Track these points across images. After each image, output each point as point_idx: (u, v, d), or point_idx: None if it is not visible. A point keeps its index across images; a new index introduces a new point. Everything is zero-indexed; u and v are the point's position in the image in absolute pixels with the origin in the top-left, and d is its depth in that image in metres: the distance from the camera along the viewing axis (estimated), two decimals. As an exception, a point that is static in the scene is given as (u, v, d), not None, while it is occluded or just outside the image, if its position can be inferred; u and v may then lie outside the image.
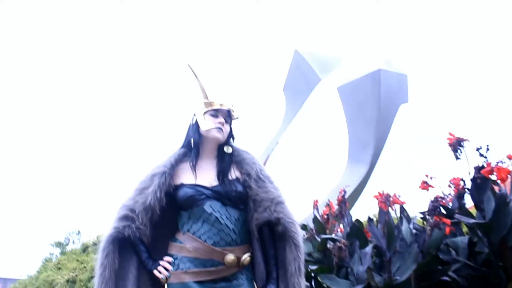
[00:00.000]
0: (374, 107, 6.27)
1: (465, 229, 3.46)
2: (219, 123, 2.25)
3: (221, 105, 2.28)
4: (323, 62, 7.02)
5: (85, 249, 4.12)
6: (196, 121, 2.29)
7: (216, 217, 2.11)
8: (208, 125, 2.24)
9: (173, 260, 2.13)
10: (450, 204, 3.41)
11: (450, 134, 3.04)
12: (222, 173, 2.21)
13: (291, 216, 2.16)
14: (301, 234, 2.17)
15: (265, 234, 2.17)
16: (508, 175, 2.81)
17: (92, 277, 3.28)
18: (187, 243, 2.12)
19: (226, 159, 2.26)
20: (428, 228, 2.99)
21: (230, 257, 2.09)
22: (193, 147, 2.28)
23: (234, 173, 2.24)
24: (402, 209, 3.50)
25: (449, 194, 3.54)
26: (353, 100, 6.48)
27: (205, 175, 2.22)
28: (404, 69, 6.81)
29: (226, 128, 2.28)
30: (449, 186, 3.31)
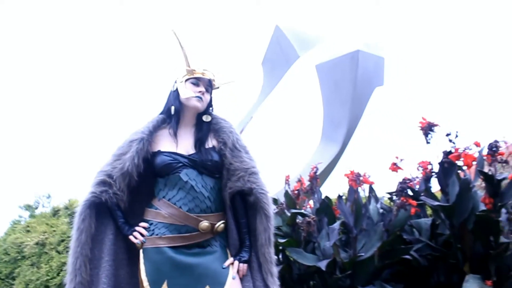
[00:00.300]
0: (350, 87, 6.34)
1: (429, 211, 3.60)
2: (199, 92, 2.25)
3: (203, 73, 2.28)
4: (303, 39, 7.02)
5: (55, 213, 4.11)
6: (177, 88, 2.29)
7: (192, 185, 2.14)
8: (188, 93, 2.24)
9: (148, 225, 2.16)
10: (417, 186, 3.53)
11: (423, 118, 3.13)
12: (199, 142, 2.23)
13: (263, 187, 2.19)
14: (272, 206, 2.21)
15: (238, 203, 2.21)
16: (473, 162, 2.93)
17: (62, 240, 3.30)
18: (163, 209, 2.15)
19: (204, 127, 2.28)
20: (395, 208, 3.10)
21: (204, 223, 2.13)
22: (173, 115, 2.28)
23: (211, 142, 2.26)
24: (371, 189, 3.61)
25: (416, 176, 3.67)
26: (330, 79, 6.53)
27: (183, 143, 2.24)
28: (382, 52, 6.88)
29: (206, 97, 2.28)
30: (417, 169, 3.42)
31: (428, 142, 3.12)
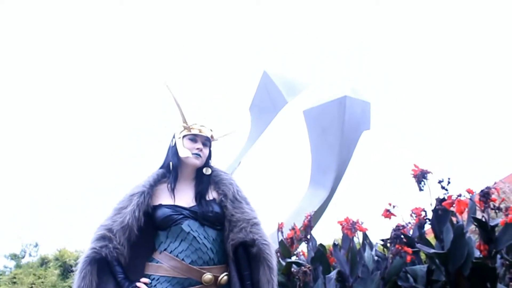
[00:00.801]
0: (338, 133, 6.44)
1: (423, 257, 3.61)
2: (197, 149, 2.29)
3: (200, 130, 2.31)
4: (290, 85, 7.16)
5: (43, 262, 3.96)
6: (175, 144, 2.32)
7: (194, 236, 2.13)
8: (185, 152, 2.28)
9: (150, 281, 2.13)
10: (410, 232, 3.56)
11: (415, 165, 3.19)
12: (199, 194, 2.25)
13: (266, 238, 2.19)
14: (275, 257, 2.21)
15: (240, 254, 2.19)
16: (466, 208, 2.98)
17: (52, 293, 3.23)
18: (164, 262, 2.13)
19: (204, 180, 2.30)
20: (390, 255, 3.11)
21: (207, 276, 2.11)
22: (171, 170, 2.31)
23: (211, 194, 2.27)
24: (365, 236, 3.62)
25: (409, 222, 3.70)
26: (317, 124, 6.64)
27: (183, 196, 2.25)
28: (368, 97, 7.05)
29: (205, 152, 2.32)
30: (411, 215, 3.46)
31: (421, 190, 3.17)
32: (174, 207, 2.21)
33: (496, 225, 2.98)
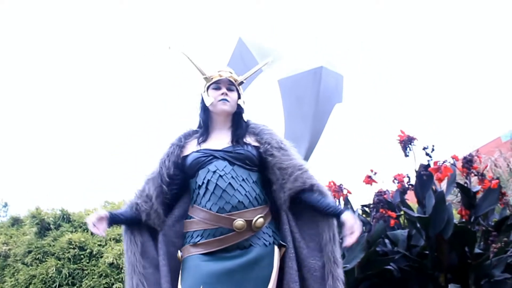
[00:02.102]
0: (312, 103, 6.47)
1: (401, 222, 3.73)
2: (222, 93, 2.25)
3: (220, 75, 2.28)
4: (265, 53, 7.10)
5: (14, 222, 3.80)
6: (202, 99, 2.30)
7: (220, 175, 2.10)
8: (210, 99, 2.25)
9: (106, 214, 2.13)
10: (390, 198, 3.66)
11: (401, 131, 3.26)
12: (236, 137, 2.22)
13: (322, 184, 2.20)
14: (333, 202, 2.22)
15: (305, 197, 2.16)
16: (450, 174, 3.09)
17: (29, 252, 3.08)
18: (195, 216, 2.12)
19: (241, 125, 2.28)
20: (374, 220, 3.19)
21: (239, 222, 2.05)
22: (202, 126, 2.30)
23: (250, 140, 2.25)
24: (347, 201, 3.69)
25: (387, 190, 3.80)
26: (292, 93, 6.64)
27: (217, 141, 2.23)
28: (341, 70, 7.10)
29: (232, 96, 2.27)
30: (393, 181, 3.55)
31: (406, 155, 3.25)
32: (204, 150, 2.20)
33: (477, 191, 3.11)
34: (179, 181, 2.23)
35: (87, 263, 2.79)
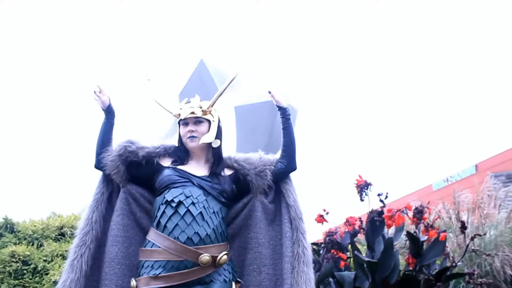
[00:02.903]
0: (266, 134, 6.59)
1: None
2: (189, 131, 2.30)
3: (185, 113, 2.32)
4: (224, 78, 7.18)
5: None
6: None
7: (193, 202, 2.11)
8: (180, 138, 2.34)
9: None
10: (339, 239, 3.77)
11: (359, 176, 3.40)
12: (213, 170, 2.27)
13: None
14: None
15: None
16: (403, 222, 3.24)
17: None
18: (159, 243, 2.09)
19: (220, 158, 2.33)
20: (325, 260, 3.28)
21: (205, 257, 2.07)
22: (181, 149, 2.34)
23: (227, 171, 2.34)
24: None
25: (337, 229, 3.92)
26: (248, 122, 6.74)
27: (196, 169, 2.27)
28: (296, 103, 7.29)
29: (201, 129, 2.31)
30: (345, 223, 3.67)
31: (362, 200, 3.38)
32: (181, 171, 2.22)
33: (424, 241, 3.28)
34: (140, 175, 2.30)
35: (30, 279, 2.65)
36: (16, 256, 2.66)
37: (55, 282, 2.63)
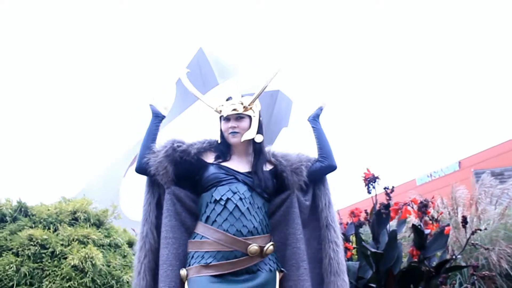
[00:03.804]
0: (264, 124, 6.65)
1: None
2: (231, 127, 2.34)
3: (228, 109, 2.35)
4: (224, 67, 7.22)
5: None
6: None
7: (240, 198, 2.19)
8: (221, 134, 2.37)
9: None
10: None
11: (367, 169, 3.50)
12: (255, 166, 2.32)
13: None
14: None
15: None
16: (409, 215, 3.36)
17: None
18: (209, 236, 2.17)
19: (262, 154, 2.36)
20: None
21: (253, 247, 2.16)
22: (223, 145, 2.37)
23: (269, 166, 2.37)
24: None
25: (340, 220, 4.03)
26: (245, 112, 6.77)
27: (239, 165, 2.32)
28: (291, 95, 7.37)
29: (243, 125, 2.35)
30: (350, 215, 3.77)
31: (369, 192, 3.48)
32: (226, 168, 2.27)
33: (428, 234, 3.40)
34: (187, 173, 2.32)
35: (48, 263, 2.68)
36: (34, 239, 2.70)
37: (74, 267, 2.69)
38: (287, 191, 2.37)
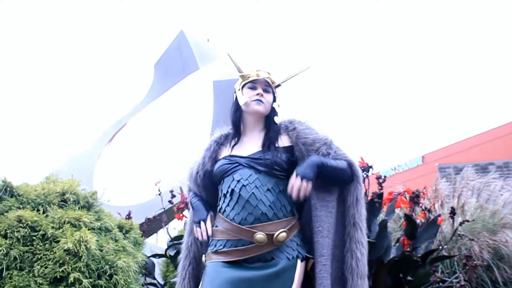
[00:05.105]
0: (244, 111, 6.59)
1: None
2: (257, 94, 2.22)
3: (257, 75, 2.26)
4: (205, 51, 7.09)
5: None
6: (236, 98, 2.27)
7: (243, 185, 2.10)
8: (245, 98, 2.22)
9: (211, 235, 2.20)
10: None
11: (361, 158, 3.51)
12: (268, 141, 2.21)
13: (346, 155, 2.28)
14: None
15: None
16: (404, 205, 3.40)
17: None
18: (220, 225, 2.18)
19: (274, 128, 2.24)
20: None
21: (259, 235, 2.07)
22: (232, 127, 2.30)
23: (283, 140, 2.23)
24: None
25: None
26: (225, 97, 6.68)
27: (247, 146, 2.23)
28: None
29: (268, 98, 2.25)
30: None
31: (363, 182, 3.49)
32: (230, 157, 2.21)
33: (419, 224, 3.46)
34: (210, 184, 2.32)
35: (40, 246, 2.56)
36: (23, 221, 2.56)
37: (67, 251, 2.58)
38: None
